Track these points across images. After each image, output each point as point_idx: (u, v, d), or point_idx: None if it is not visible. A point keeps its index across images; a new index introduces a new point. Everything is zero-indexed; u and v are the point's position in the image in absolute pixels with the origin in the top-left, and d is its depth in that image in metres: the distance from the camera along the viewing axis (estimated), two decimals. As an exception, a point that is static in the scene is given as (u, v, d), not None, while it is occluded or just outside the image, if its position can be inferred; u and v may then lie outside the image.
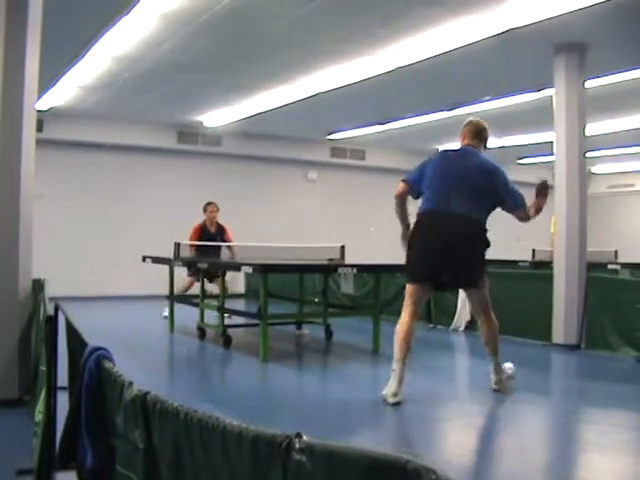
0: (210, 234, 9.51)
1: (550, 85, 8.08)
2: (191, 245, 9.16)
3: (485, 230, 4.57)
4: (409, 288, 4.65)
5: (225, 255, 9.20)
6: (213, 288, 9.15)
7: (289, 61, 8.37)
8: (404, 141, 14.34)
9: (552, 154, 7.87)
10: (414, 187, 4.69)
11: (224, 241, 9.43)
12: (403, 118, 11.80)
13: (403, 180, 4.73)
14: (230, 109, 11.46)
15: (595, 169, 17.14)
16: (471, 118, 5.09)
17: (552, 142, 7.85)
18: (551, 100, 7.94)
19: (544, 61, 7.89)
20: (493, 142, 10.77)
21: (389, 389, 4.56)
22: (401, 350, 4.53)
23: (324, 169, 15.21)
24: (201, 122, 12.68)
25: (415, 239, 4.53)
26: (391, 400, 4.51)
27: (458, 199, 4.52)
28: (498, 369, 4.92)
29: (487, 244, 4.56)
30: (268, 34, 7.32)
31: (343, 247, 8.54)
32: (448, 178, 4.59)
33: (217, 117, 12.21)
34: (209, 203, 9.76)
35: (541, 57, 7.85)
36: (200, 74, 9.05)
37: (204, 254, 8.97)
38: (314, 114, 11.63)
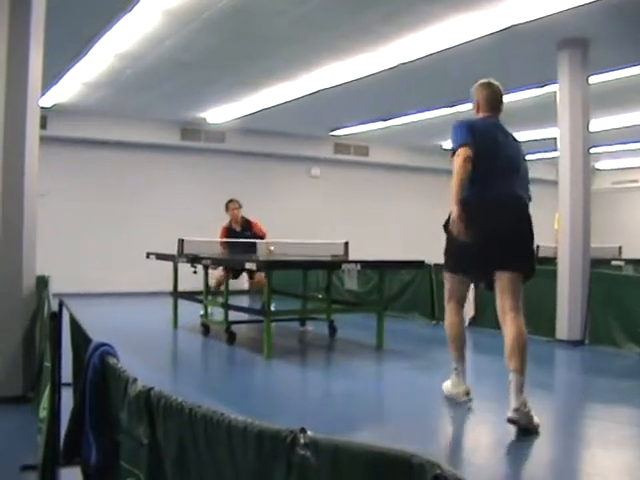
0: (236, 233, 9.19)
1: (553, 81, 8.01)
2: (220, 244, 8.98)
3: None
4: (451, 281, 4.39)
5: (262, 251, 8.85)
6: (237, 284, 8.97)
7: (291, 58, 8.29)
8: (407, 137, 14.22)
9: (556, 150, 7.78)
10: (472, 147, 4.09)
11: (254, 236, 9.08)
12: (406, 114, 11.67)
13: (465, 144, 4.01)
14: (233, 105, 11.39)
15: (599, 165, 16.93)
16: (486, 80, 4.43)
17: (556, 138, 7.78)
18: (554, 96, 7.87)
19: (547, 57, 7.80)
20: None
21: (457, 388, 4.53)
22: (457, 348, 4.48)
23: (327, 165, 15.07)
24: (204, 119, 12.62)
25: (471, 223, 3.94)
26: (464, 398, 4.50)
27: (515, 179, 4.15)
28: (519, 393, 3.88)
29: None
30: (270, 31, 7.28)
31: (347, 243, 8.47)
32: (502, 154, 4.14)
33: (220, 114, 12.14)
34: (230, 201, 9.42)
35: (544, 53, 7.76)
36: (202, 71, 8.98)
37: (231, 252, 8.74)
38: (317, 111, 11.53)
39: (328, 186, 15.15)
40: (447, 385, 4.64)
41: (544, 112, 9.99)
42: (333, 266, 7.30)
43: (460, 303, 4.46)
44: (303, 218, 14.45)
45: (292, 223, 13.97)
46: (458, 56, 7.81)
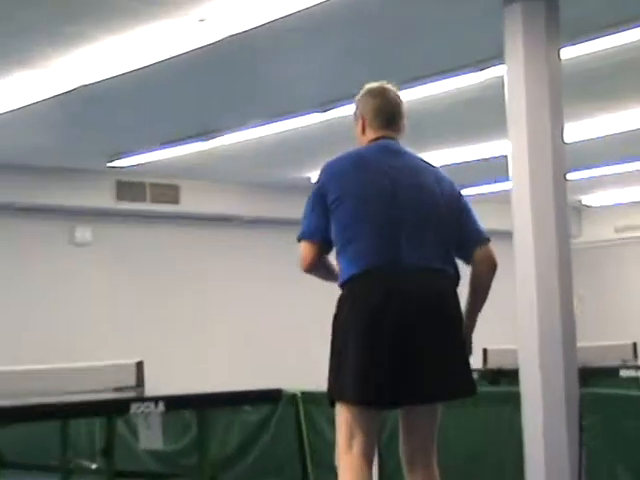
0: None
1: (498, 60, 5.78)
2: None
3: None
4: (349, 416, 3.42)
5: None
6: None
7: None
8: (249, 168, 10.46)
9: (505, 179, 5.70)
10: (327, 240, 3.45)
11: None
12: (241, 128, 8.35)
13: (304, 239, 3.48)
14: None
15: (589, 199, 12.72)
16: (376, 85, 3.71)
17: (505, 157, 5.63)
18: (501, 85, 5.57)
19: (485, 17, 5.52)
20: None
21: None
22: None
23: (105, 223, 10.95)
24: None
25: (351, 330, 3.30)
26: None
27: (419, 243, 3.39)
28: None
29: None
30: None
31: (140, 364, 6.15)
32: (394, 206, 3.43)
33: None
34: None
35: (479, 11, 5.52)
36: None
37: None
38: (82, 123, 7.97)
39: (107, 259, 10.95)
40: None
41: (483, 114, 7.83)
42: (115, 409, 5.43)
43: (367, 457, 3.43)
44: (62, 318, 10.09)
45: (41, 328, 9.85)
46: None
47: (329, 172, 3.48)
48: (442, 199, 3.46)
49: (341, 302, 3.35)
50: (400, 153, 3.55)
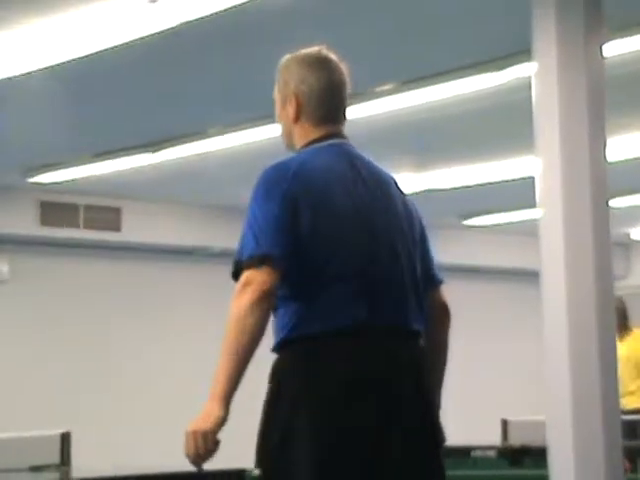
0: None
1: (524, 58, 6.12)
2: None
3: None
4: None
5: None
6: None
7: None
8: (202, 189, 10.66)
9: (531, 206, 6.02)
10: (285, 269, 3.13)
11: None
12: (202, 138, 8.47)
13: (267, 256, 3.08)
14: None
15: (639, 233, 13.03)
16: (313, 50, 3.44)
17: (532, 179, 5.87)
18: (528, 89, 5.83)
19: (509, 4, 5.80)
20: (406, 181, 8.45)
21: None
22: None
23: (26, 253, 10.82)
24: None
25: (307, 416, 3.06)
26: None
27: (398, 292, 3.25)
28: None
29: None
30: None
31: (67, 437, 6.20)
32: (373, 243, 3.29)
33: None
34: None
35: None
36: None
37: None
38: None
39: (28, 300, 10.77)
40: None
41: (507, 125, 8.12)
42: None
43: None
44: None
45: None
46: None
47: (302, 178, 3.15)
48: (409, 224, 3.29)
49: (289, 369, 3.04)
50: (363, 162, 3.31)
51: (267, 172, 3.14)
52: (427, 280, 3.31)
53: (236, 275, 3.02)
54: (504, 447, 8.11)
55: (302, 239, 3.01)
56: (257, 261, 2.96)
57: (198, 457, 2.91)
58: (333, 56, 3.34)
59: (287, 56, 3.31)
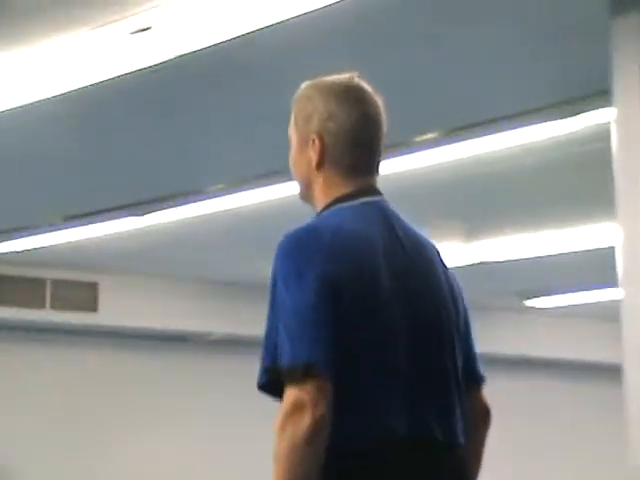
0: None
1: (600, 102, 6.23)
2: None
3: None
4: None
5: None
6: None
7: None
8: (207, 259, 10.51)
9: (611, 285, 6.62)
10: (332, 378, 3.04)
11: None
12: (200, 198, 8.46)
13: (308, 371, 3.02)
14: None
15: None
16: (344, 77, 3.35)
17: (611, 250, 5.98)
18: (605, 138, 5.83)
19: (582, 35, 5.93)
20: (452, 251, 9.05)
21: None
22: None
23: None
24: None
25: None
26: None
27: (444, 401, 3.26)
28: None
29: None
30: None
31: None
32: (418, 338, 3.28)
33: None
34: None
35: (570, 26, 5.98)
36: None
37: None
38: None
39: None
40: None
41: (578, 182, 8.20)
42: None
43: None
44: None
45: None
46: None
47: (339, 253, 3.07)
48: (454, 307, 3.29)
49: None
50: (401, 225, 3.24)
51: (294, 243, 3.05)
52: (468, 376, 3.28)
53: (266, 386, 3.05)
54: None
55: (342, 335, 3.00)
56: (301, 372, 2.91)
57: None
58: (367, 86, 3.19)
59: (307, 83, 3.17)
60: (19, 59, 6.39)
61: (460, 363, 3.24)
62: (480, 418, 3.31)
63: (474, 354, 3.34)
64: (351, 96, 3.21)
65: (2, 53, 6.48)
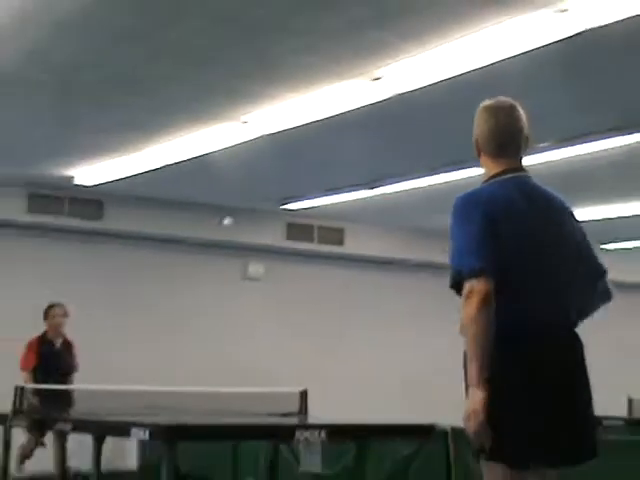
0: (53, 352, 9.98)
1: None
2: (25, 367, 9.45)
3: None
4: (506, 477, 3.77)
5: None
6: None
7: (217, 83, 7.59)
8: (405, 215, 13.42)
9: None
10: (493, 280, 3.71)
11: (67, 365, 9.82)
12: (402, 179, 10.77)
13: (480, 272, 3.65)
14: (119, 160, 10.52)
15: None
16: (491, 101, 3.94)
17: None
18: None
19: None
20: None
21: None
22: None
23: (276, 260, 14.08)
24: (71, 177, 11.44)
25: (524, 396, 3.74)
26: None
27: (572, 299, 3.93)
28: None
29: None
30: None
31: (304, 394, 7.94)
32: (552, 257, 3.89)
33: (97, 171, 11.22)
34: (52, 306, 10.15)
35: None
36: (72, 99, 8.34)
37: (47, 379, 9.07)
38: (260, 169, 10.49)
39: (275, 294, 14.00)
40: None
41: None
42: (281, 434, 6.78)
43: None
44: (234, 348, 13.00)
45: (215, 356, 12.91)
46: (486, 81, 6.82)
47: (493, 204, 3.76)
48: (577, 244, 3.96)
49: (509, 362, 3.69)
50: (539, 193, 3.96)
51: (465, 199, 3.77)
52: (591, 271, 3.99)
53: (455, 286, 3.67)
54: (630, 419, 9.76)
55: (502, 249, 3.67)
56: (476, 274, 3.56)
57: (474, 434, 3.67)
58: (504, 100, 3.93)
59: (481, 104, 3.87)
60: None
61: (583, 263, 3.89)
62: (604, 298, 4.04)
63: (594, 256, 3.94)
64: (493, 110, 3.91)
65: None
